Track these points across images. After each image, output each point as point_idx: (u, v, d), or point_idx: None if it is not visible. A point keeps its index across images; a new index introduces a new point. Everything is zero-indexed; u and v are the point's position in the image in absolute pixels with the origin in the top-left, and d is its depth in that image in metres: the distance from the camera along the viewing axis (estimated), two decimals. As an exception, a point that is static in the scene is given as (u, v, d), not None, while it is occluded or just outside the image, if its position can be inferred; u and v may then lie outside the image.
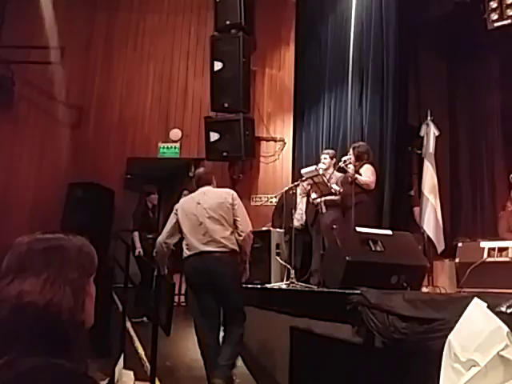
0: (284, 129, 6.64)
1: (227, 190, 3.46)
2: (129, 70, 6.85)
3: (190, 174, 6.55)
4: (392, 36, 5.65)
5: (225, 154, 6.02)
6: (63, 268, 0.85)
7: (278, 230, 4.71)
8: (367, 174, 4.61)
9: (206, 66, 6.49)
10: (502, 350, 1.83)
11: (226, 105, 6.09)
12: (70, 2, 6.28)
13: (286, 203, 4.67)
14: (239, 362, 3.69)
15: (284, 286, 3.93)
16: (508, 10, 5.46)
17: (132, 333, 4.11)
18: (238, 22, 6.28)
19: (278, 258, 4.36)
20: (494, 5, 5.54)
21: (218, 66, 6.22)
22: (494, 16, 5.54)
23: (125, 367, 3.06)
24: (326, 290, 3.25)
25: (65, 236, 0.90)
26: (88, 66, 6.76)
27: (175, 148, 6.56)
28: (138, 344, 3.87)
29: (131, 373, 3.00)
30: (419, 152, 5.63)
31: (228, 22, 6.34)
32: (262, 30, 6.76)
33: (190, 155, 6.57)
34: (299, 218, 5.06)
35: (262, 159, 6.49)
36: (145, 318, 4.52)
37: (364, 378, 2.57)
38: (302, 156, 6.55)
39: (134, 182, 6.65)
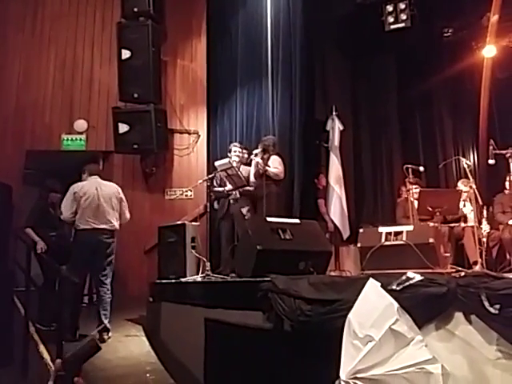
0: (198, 121, 6.58)
1: (115, 184, 4.39)
2: (27, 56, 6.29)
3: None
4: (300, 34, 5.87)
5: (135, 146, 5.80)
6: None
7: (193, 223, 4.69)
8: (275, 165, 4.81)
9: (113, 53, 6.19)
10: (393, 324, 2.02)
11: (135, 95, 5.85)
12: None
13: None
14: (154, 358, 3.64)
15: (199, 279, 3.93)
16: (402, 15, 5.94)
17: (36, 337, 3.82)
18: (147, 9, 6.07)
19: (193, 251, 4.33)
20: (390, 8, 5.99)
21: (125, 54, 5.95)
22: (391, 19, 6.00)
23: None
24: (238, 279, 3.31)
25: None
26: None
27: (81, 140, 6.18)
28: (42, 349, 3.62)
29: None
30: (326, 145, 5.95)
31: (136, 10, 6.09)
32: (173, 20, 6.60)
33: (97, 147, 6.22)
34: None
35: (175, 152, 6.37)
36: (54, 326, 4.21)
37: (275, 362, 2.66)
38: (217, 149, 6.57)
39: (35, 177, 6.14)
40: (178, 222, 4.52)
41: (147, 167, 6.10)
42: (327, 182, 5.76)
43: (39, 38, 6.37)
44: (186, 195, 6.05)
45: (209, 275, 3.97)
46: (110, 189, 4.22)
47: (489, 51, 5.68)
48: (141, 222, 5.67)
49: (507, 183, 4.54)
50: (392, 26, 5.87)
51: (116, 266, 5.74)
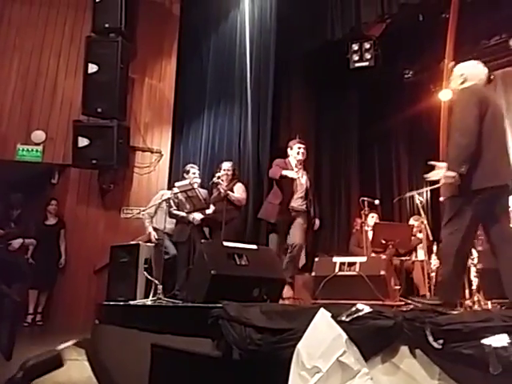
0: (162, 140, 6.51)
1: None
2: (-13, 60, 6.09)
3: (53, 181, 6.00)
4: (270, 63, 5.99)
5: (94, 161, 5.64)
6: None
7: (148, 244, 4.57)
8: (239, 192, 4.82)
9: (80, 66, 6.08)
10: (341, 355, 2.00)
11: (99, 110, 5.75)
12: None
13: None
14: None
15: (149, 303, 3.80)
16: (366, 54, 6.24)
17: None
18: (118, 26, 6.06)
19: (145, 273, 4.21)
20: (355, 47, 6.29)
21: (92, 68, 5.87)
22: (356, 57, 6.29)
23: None
24: (189, 304, 3.22)
25: None
26: None
27: (37, 151, 5.95)
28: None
29: None
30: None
31: (107, 25, 6.07)
32: (144, 38, 6.61)
33: (53, 160, 6.01)
34: None
35: (136, 170, 6.24)
36: None
37: (222, 392, 2.58)
38: (179, 169, 6.49)
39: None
40: (132, 242, 4.40)
41: (105, 184, 5.93)
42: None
43: (3, 43, 6.19)
44: (143, 215, 5.90)
45: (160, 299, 3.84)
46: None
47: (445, 95, 6.00)
48: (93, 240, 5.48)
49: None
50: (356, 64, 6.15)
51: (63, 284, 5.53)
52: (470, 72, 2.92)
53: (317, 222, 4.47)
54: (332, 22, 5.91)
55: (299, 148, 4.53)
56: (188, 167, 5.22)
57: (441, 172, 2.80)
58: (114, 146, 5.67)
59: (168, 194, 5.01)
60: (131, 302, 3.79)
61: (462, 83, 2.91)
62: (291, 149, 4.57)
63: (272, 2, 6.01)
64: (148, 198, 5.93)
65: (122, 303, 3.84)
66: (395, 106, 6.54)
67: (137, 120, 6.39)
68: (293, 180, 4.36)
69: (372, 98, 6.73)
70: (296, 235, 4.23)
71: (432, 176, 2.92)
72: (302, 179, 4.42)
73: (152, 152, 6.37)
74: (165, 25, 6.77)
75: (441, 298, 2.67)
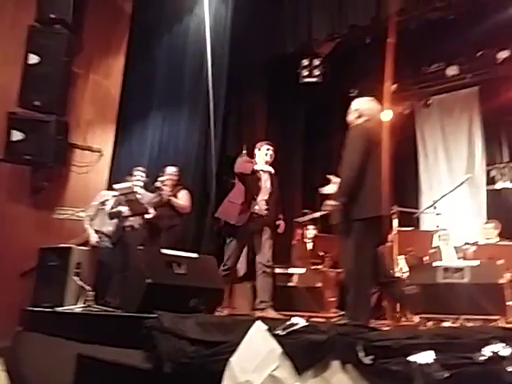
0: (103, 139, 6.24)
1: None
2: None
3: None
4: (221, 69, 5.96)
5: (28, 157, 5.29)
6: None
7: (81, 247, 4.34)
8: (184, 199, 4.74)
9: (19, 56, 5.69)
10: (274, 370, 1.99)
11: (37, 103, 5.41)
12: None
13: None
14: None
15: (78, 310, 3.60)
16: (315, 70, 6.43)
17: None
18: (64, 18, 5.77)
19: (76, 278, 3.99)
20: (305, 62, 6.45)
21: (33, 59, 5.52)
22: (305, 72, 6.45)
23: None
24: (121, 313, 3.09)
25: None
26: None
27: (-34, 144, 5.48)
28: None
29: None
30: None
31: (53, 16, 5.75)
32: (92, 33, 6.32)
33: (-17, 153, 5.57)
34: None
35: (73, 168, 5.92)
36: None
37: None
38: (121, 171, 6.24)
39: None
40: (63, 245, 4.16)
41: (38, 181, 5.57)
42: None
43: None
44: (79, 216, 5.59)
45: (90, 306, 3.65)
46: None
47: (386, 115, 6.29)
48: (21, 240, 5.08)
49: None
50: (305, 79, 6.31)
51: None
52: (363, 108, 3.08)
53: (282, 225, 4.36)
54: (285, 36, 6.01)
55: (267, 150, 4.49)
56: (133, 170, 5.06)
57: (334, 187, 2.96)
58: (51, 142, 5.36)
59: (109, 195, 4.83)
60: (58, 309, 3.57)
61: (357, 118, 3.06)
62: (259, 150, 4.52)
63: (227, 11, 6.01)
64: (85, 199, 5.64)
65: (48, 309, 3.60)
66: (340, 122, 6.71)
67: (78, 116, 6.09)
68: (259, 179, 4.31)
69: (319, 113, 6.92)
70: (267, 253, 4.04)
71: (325, 190, 3.09)
72: (268, 181, 4.39)
73: (92, 151, 6.09)
74: (115, 22, 6.55)
75: (350, 318, 2.77)
